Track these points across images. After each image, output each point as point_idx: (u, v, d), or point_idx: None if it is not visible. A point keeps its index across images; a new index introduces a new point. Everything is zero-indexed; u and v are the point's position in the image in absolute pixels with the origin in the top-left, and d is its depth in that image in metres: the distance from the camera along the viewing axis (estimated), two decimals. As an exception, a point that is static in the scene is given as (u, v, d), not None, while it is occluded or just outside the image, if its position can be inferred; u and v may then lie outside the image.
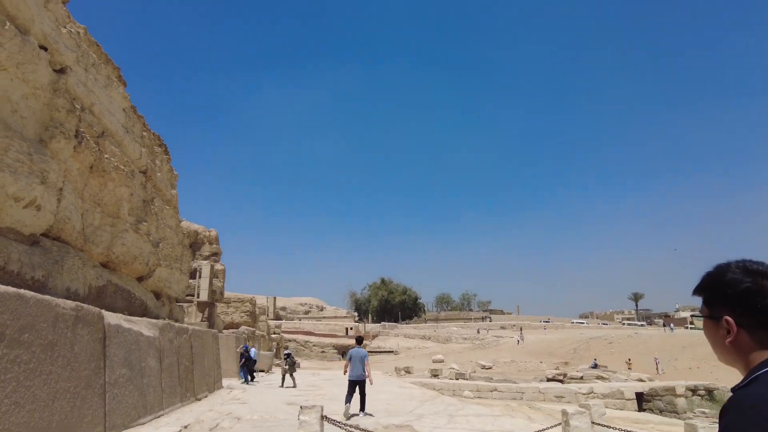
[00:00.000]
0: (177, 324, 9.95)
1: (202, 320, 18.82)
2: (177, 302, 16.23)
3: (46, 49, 6.86)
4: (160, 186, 12.82)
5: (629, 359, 36.01)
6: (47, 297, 4.87)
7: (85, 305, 5.68)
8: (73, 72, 7.70)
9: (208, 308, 19.13)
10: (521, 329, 68.78)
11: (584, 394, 18.06)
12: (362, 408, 10.34)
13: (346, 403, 10.05)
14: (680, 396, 17.06)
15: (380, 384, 16.81)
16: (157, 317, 11.44)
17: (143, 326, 7.98)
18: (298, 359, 50.06)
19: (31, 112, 6.57)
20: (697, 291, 1.30)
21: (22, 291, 4.46)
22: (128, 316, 7.57)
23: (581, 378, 27.18)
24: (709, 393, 17.48)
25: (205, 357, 12.24)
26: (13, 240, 6.14)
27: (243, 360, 17.46)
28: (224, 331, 21.68)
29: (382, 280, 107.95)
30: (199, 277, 18.84)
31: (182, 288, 14.72)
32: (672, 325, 63.39)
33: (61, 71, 7.37)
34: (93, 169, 8.43)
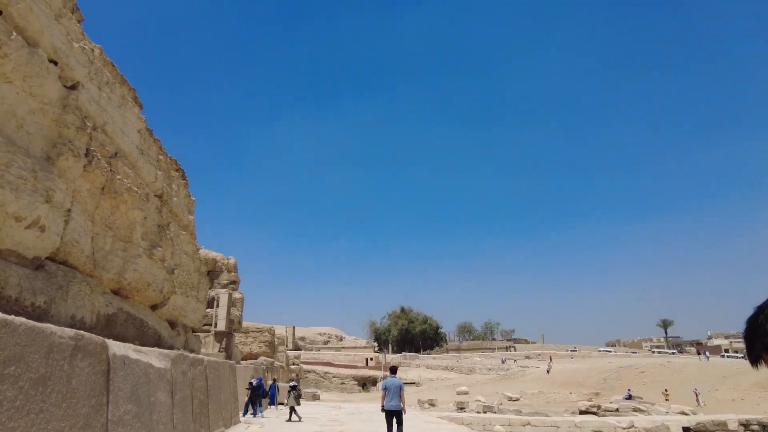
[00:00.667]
0: (191, 355, 9.35)
1: (219, 351, 18.20)
2: (193, 332, 15.69)
3: (56, 64, 6.55)
4: (176, 211, 12.45)
5: (666, 390, 34.06)
6: (40, 324, 4.33)
7: (86, 333, 5.13)
8: (85, 89, 7.40)
9: (225, 338, 18.52)
10: (551, 358, 66.38)
11: (624, 428, 16.79)
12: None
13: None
14: None
15: (406, 419, 15.86)
16: (171, 347, 10.87)
17: (153, 357, 7.40)
18: (317, 391, 48.80)
19: (38, 128, 6.21)
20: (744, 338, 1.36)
21: (9, 317, 3.93)
22: (137, 346, 7.01)
23: (617, 410, 25.62)
24: (764, 428, 16.06)
25: (222, 390, 11.57)
26: (14, 263, 5.68)
27: (254, 391, 16.66)
28: (242, 362, 21.01)
29: (402, 309, 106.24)
30: (217, 306, 18.32)
31: (199, 317, 14.18)
32: (707, 353, 60.44)
33: (72, 87, 7.06)
34: (105, 191, 8.04)
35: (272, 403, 20.89)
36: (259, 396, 16.13)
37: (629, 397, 32.44)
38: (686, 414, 21.57)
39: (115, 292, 9.05)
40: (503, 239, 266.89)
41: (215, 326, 18.06)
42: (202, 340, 18.58)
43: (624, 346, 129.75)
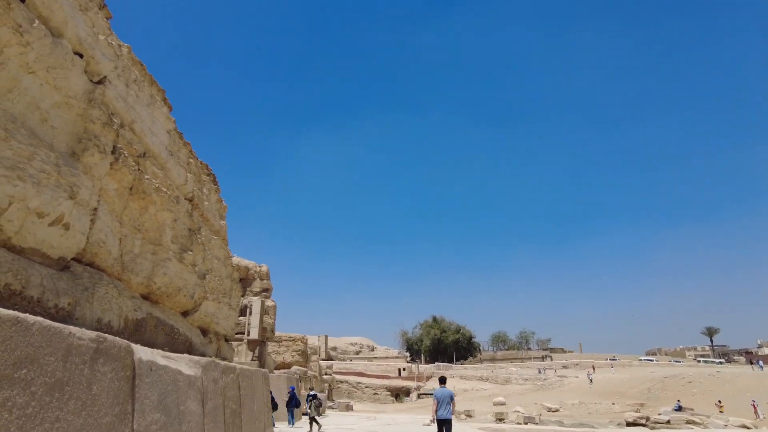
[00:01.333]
0: (223, 362, 8.96)
1: (252, 359, 17.89)
2: (226, 340, 15.40)
3: (81, 56, 6.31)
4: (207, 216, 12.21)
5: (719, 401, 31.99)
6: (56, 324, 3.94)
7: (108, 336, 4.74)
8: (112, 85, 7.16)
9: (258, 347, 18.21)
10: (593, 367, 63.97)
11: (682, 443, 15.58)
12: None
13: None
14: (805, 447, 14.31)
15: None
16: (203, 355, 10.54)
17: (183, 363, 7.00)
18: (350, 401, 48.20)
19: (62, 122, 5.95)
20: None
21: (21, 315, 3.54)
22: (165, 352, 6.63)
23: (668, 422, 24.10)
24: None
25: (255, 399, 11.15)
26: (37, 263, 5.38)
27: (290, 401, 16.35)
28: (275, 371, 20.67)
29: (434, 319, 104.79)
30: (250, 314, 18.04)
31: (231, 324, 13.88)
32: (761, 362, 56.99)
33: (98, 83, 6.82)
34: (133, 191, 7.78)
35: (307, 413, 20.43)
36: (292, 406, 15.69)
37: (679, 409, 30.63)
38: (747, 427, 20.05)
39: (145, 297, 8.77)
40: (537, 246, 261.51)
41: (248, 334, 17.77)
42: (235, 349, 18.32)
43: (666, 354, 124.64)
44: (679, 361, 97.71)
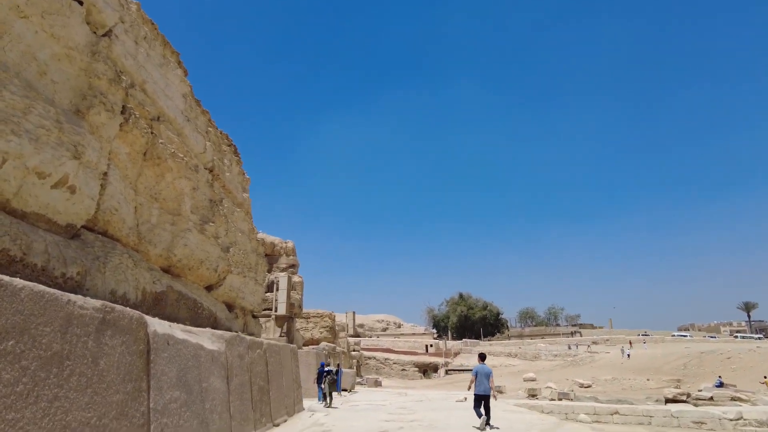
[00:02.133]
0: (249, 337, 8.54)
1: (280, 336, 17.66)
2: (253, 316, 15.13)
3: (81, 3, 5.74)
4: (229, 187, 11.74)
5: (766, 377, 30.65)
6: (52, 290, 3.44)
7: (117, 306, 4.26)
8: (119, 40, 6.59)
9: (286, 323, 17.95)
10: (630, 342, 62.70)
11: (731, 419, 14.74)
12: (488, 422, 10.83)
13: (477, 416, 10.97)
14: None
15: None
16: (228, 330, 10.19)
17: (205, 338, 6.57)
18: (378, 377, 48.35)
19: (64, 76, 5.42)
20: None
21: (6, 278, 3.02)
22: (186, 326, 6.18)
23: (710, 399, 23.11)
24: None
25: (283, 375, 10.80)
26: (42, 229, 4.92)
27: (320, 377, 16.10)
28: (303, 347, 20.45)
29: (461, 296, 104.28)
30: (277, 289, 17.74)
31: (258, 300, 13.54)
32: (804, 337, 54.74)
33: (103, 36, 6.26)
34: (147, 156, 7.28)
35: (336, 388, 20.25)
36: (322, 383, 15.41)
37: (720, 385, 29.50)
38: (800, 404, 18.99)
39: (165, 270, 8.36)
40: (567, 221, 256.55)
41: (275, 310, 17.50)
42: (263, 325, 18.10)
43: (699, 330, 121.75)
44: (714, 337, 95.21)
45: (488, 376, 11.04)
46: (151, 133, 7.25)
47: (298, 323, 25.21)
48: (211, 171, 10.50)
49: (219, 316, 10.00)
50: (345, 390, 21.70)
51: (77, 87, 5.62)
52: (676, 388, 25.85)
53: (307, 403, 14.33)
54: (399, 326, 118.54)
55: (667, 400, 24.53)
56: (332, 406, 14.80)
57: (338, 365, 21.76)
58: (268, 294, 18.36)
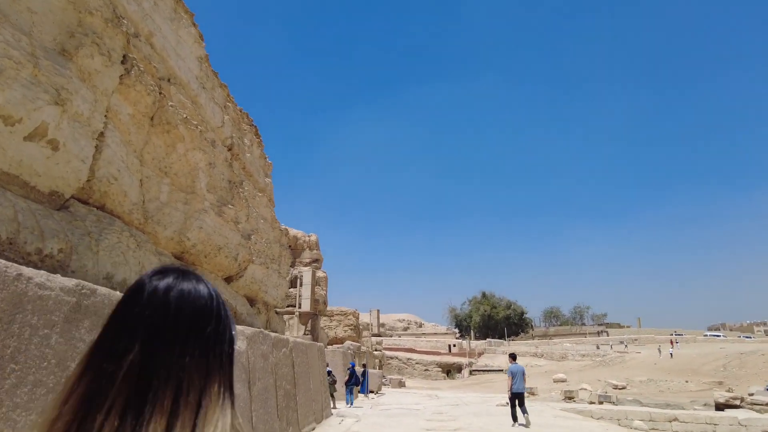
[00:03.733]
0: (273, 334, 7.42)
1: (305, 334, 16.58)
2: (276, 312, 14.07)
3: None
4: (250, 170, 10.66)
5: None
6: (-11, 258, 2.30)
7: (100, 288, 3.12)
8: (118, -22, 5.51)
9: (311, 320, 16.86)
10: (671, 342, 60.23)
11: (808, 430, 13.11)
12: (524, 412, 11.48)
13: (513, 418, 11.50)
14: None
15: (531, 411, 13.35)
16: (250, 326, 9.10)
17: (223, 334, 5.40)
18: (402, 377, 47.13)
19: (46, 7, 4.33)
20: None
21: None
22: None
23: (768, 405, 21.30)
24: None
25: (311, 377, 9.67)
26: (12, 193, 3.84)
27: (349, 379, 14.95)
28: (328, 346, 19.36)
29: (484, 295, 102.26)
30: (300, 285, 16.66)
31: (281, 294, 12.46)
32: None
33: (98, -32, 5.18)
34: (155, 122, 6.19)
35: (363, 390, 19.12)
36: (352, 384, 14.26)
37: (772, 389, 27.48)
38: None
39: (178, 257, 7.30)
40: (593, 218, 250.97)
41: (299, 306, 16.43)
42: (287, 323, 17.06)
43: (731, 330, 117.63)
44: (750, 337, 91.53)
45: (523, 374, 11.96)
46: (160, 93, 6.16)
47: (322, 321, 24.17)
48: (230, 149, 9.43)
49: (239, 311, 8.91)
50: (372, 392, 20.54)
51: (63, 22, 4.53)
52: (729, 392, 23.96)
53: (337, 406, 13.19)
54: (420, 326, 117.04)
55: (719, 405, 22.74)
56: (336, 407, 13.72)
57: (364, 365, 20.63)
58: (291, 290, 17.30)
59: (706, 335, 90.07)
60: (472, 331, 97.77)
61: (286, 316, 17.09)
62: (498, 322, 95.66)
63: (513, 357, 12.68)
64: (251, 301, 10.31)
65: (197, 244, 7.32)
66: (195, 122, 7.11)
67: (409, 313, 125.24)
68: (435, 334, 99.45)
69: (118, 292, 3.35)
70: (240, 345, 5.71)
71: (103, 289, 3.16)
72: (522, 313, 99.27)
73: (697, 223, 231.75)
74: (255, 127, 12.02)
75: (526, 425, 11.15)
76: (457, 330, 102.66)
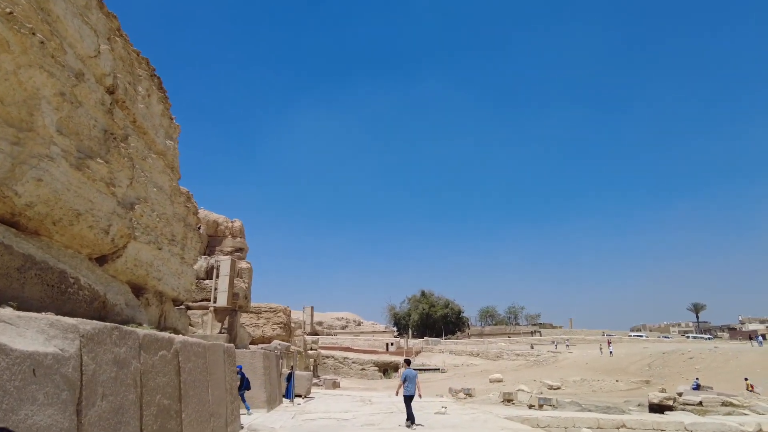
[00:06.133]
0: (145, 332, 5.41)
1: (221, 331, 14.40)
2: (182, 306, 11.86)
3: None
4: (143, 125, 8.48)
5: (747, 379, 29.35)
6: None
7: None
8: None
9: (228, 316, 14.69)
10: (609, 341, 62.23)
11: (752, 433, 12.63)
12: (413, 422, 11.90)
13: (408, 417, 12.04)
14: None
15: (468, 422, 11.92)
16: (126, 322, 7.00)
17: (28, 332, 3.45)
18: (337, 377, 45.30)
19: None
20: None
21: None
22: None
23: (700, 404, 21.37)
24: None
25: (211, 386, 7.67)
26: None
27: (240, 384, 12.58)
28: (251, 346, 17.21)
29: (423, 293, 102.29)
30: (217, 276, 14.44)
31: (186, 285, 10.30)
32: (760, 337, 55.32)
33: None
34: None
35: (288, 395, 17.12)
36: (243, 390, 12.00)
37: (697, 387, 28.12)
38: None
39: (10, 223, 5.15)
40: (527, 222, 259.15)
41: (214, 301, 14.21)
42: (200, 319, 14.79)
43: (651, 330, 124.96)
44: (668, 337, 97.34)
45: (415, 378, 12.36)
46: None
47: (247, 318, 21.89)
48: (111, 92, 7.25)
49: (112, 301, 6.78)
50: (299, 396, 18.58)
51: None
52: (662, 392, 24.03)
53: (247, 419, 11.22)
54: (359, 324, 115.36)
55: (653, 405, 22.68)
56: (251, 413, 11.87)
57: (292, 367, 18.61)
58: (207, 282, 15.06)
59: (631, 335, 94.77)
60: (410, 330, 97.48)
61: (198, 312, 14.84)
62: (436, 321, 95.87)
63: (407, 362, 13.59)
64: (138, 291, 8.15)
65: (36, 203, 5.20)
66: (38, 33, 4.98)
67: (348, 312, 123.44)
68: (374, 332, 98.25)
69: None
70: (63, 347, 3.71)
71: None
72: (459, 312, 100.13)
73: (620, 229, 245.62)
74: (158, 78, 9.82)
75: (412, 424, 11.78)
76: (395, 329, 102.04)
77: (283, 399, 16.47)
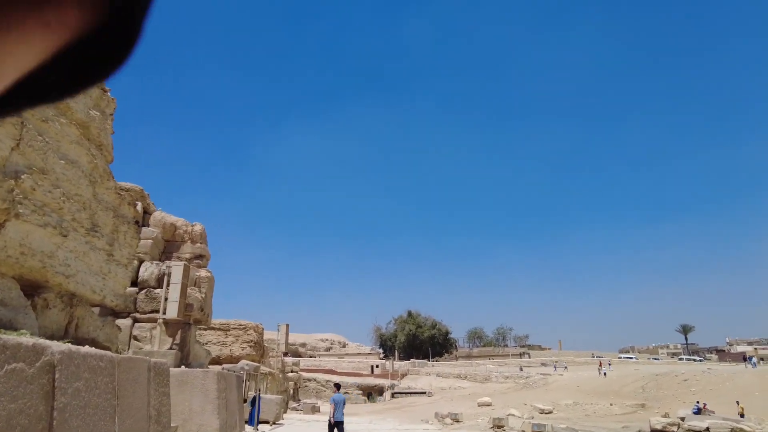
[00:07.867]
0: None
1: (171, 348, 12.47)
2: (113, 314, 10.00)
3: None
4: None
5: (739, 402, 27.89)
6: None
7: None
8: None
9: (181, 331, 12.78)
10: (600, 363, 60.62)
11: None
12: None
13: None
14: None
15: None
16: (6, 328, 5.20)
17: None
18: (317, 401, 42.84)
19: None
20: None
21: None
22: None
23: (707, 430, 19.71)
24: None
25: (119, 415, 5.82)
26: None
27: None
28: (210, 366, 15.21)
29: (410, 314, 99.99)
30: (167, 284, 12.58)
31: (115, 287, 8.49)
32: (753, 359, 54.14)
33: None
34: None
35: (251, 422, 15.09)
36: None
37: (698, 411, 26.50)
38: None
39: None
40: (516, 242, 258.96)
41: (164, 312, 12.33)
42: (149, 333, 12.86)
43: (639, 352, 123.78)
44: (658, 359, 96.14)
45: (343, 404, 12.77)
46: None
47: (213, 335, 19.87)
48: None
49: (-29, 297, 4.97)
50: (266, 422, 16.53)
51: None
52: (665, 417, 22.32)
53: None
54: (344, 345, 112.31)
55: (655, 431, 20.97)
56: None
57: (258, 391, 16.60)
58: (158, 291, 13.18)
59: (620, 357, 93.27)
60: (396, 351, 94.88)
61: (147, 326, 12.92)
62: (423, 342, 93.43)
63: (338, 387, 14.44)
64: (32, 287, 6.34)
65: None
66: None
67: (333, 333, 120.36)
68: (359, 354, 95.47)
69: None
70: None
71: None
72: (447, 333, 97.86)
73: (609, 250, 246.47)
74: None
75: None
76: (381, 350, 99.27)
77: (246, 426, 14.45)
